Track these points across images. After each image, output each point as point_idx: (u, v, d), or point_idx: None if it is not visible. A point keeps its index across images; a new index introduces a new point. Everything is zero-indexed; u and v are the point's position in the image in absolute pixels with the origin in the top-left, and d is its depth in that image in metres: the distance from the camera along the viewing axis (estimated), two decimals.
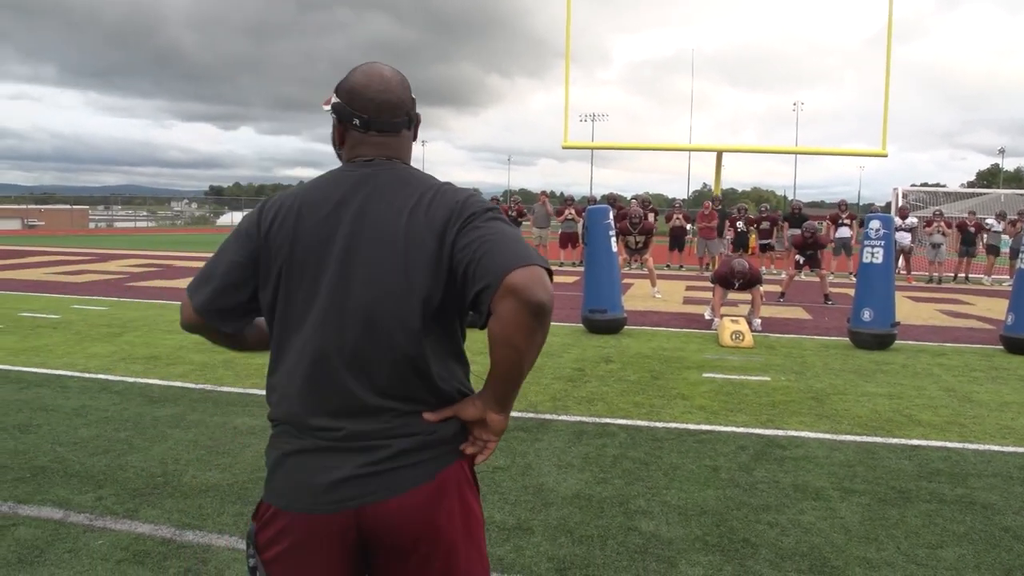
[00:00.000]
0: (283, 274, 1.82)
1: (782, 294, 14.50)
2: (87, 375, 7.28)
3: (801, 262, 14.64)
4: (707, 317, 11.63)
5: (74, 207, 64.09)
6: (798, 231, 20.09)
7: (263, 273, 1.85)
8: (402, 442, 1.74)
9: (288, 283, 1.81)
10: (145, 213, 70.71)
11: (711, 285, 11.72)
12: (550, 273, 1.67)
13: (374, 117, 1.88)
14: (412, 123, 1.96)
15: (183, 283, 15.12)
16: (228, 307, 1.90)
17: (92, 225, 59.24)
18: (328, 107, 1.94)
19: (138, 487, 4.50)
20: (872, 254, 9.92)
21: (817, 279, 14.98)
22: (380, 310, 1.73)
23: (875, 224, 9.96)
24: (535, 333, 1.62)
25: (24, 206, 61.14)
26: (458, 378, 1.84)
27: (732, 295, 11.61)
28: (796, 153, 39.03)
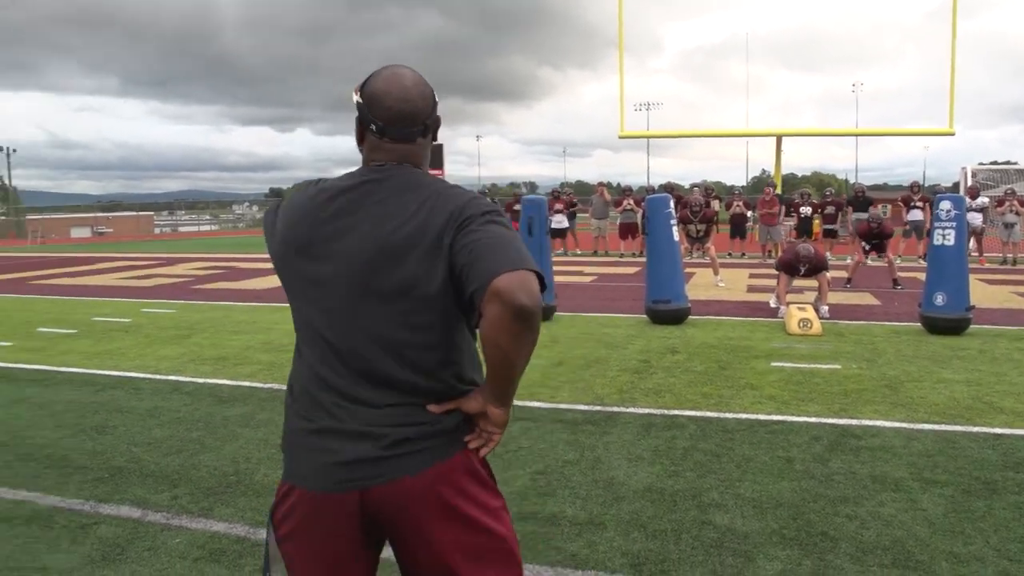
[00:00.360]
0: (292, 266, 1.93)
1: (848, 280, 14.19)
2: (158, 377, 7.41)
3: (867, 249, 14.28)
4: (772, 305, 11.44)
5: (140, 214, 65.39)
6: (863, 215, 19.71)
7: (278, 266, 1.99)
8: (406, 431, 1.82)
9: (296, 275, 1.93)
10: (208, 217, 71.93)
11: (775, 272, 11.53)
12: (541, 278, 1.72)
13: (389, 126, 1.92)
14: (428, 130, 1.99)
15: (248, 284, 15.37)
16: None
17: (157, 230, 60.41)
18: (357, 97, 1.98)
19: (211, 486, 4.55)
20: (943, 236, 9.63)
21: (884, 264, 14.64)
22: (379, 306, 1.83)
23: (946, 205, 9.68)
24: (520, 335, 1.69)
25: (93, 214, 62.58)
26: (464, 372, 1.91)
27: (797, 282, 11.39)
28: (858, 135, 38.14)
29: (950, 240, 9.56)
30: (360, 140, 2.00)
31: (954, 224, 9.56)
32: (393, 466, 1.81)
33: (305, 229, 1.90)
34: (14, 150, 62.55)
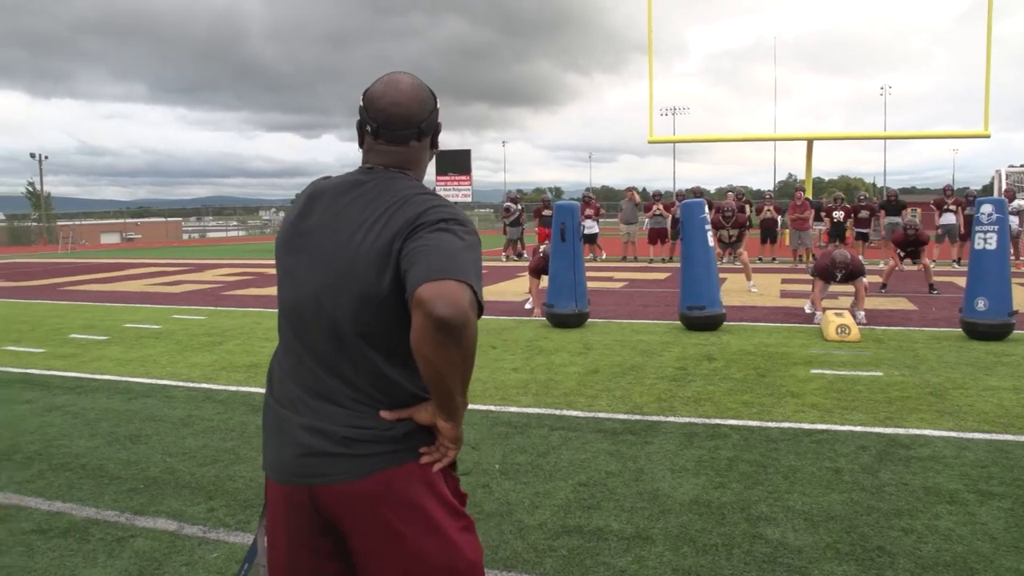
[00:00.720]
0: (277, 255, 2.04)
1: (884, 285, 13.97)
2: (191, 384, 7.36)
3: (903, 255, 13.99)
4: (808, 311, 11.27)
5: (168, 219, 65.92)
6: (896, 219, 19.46)
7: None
8: (355, 431, 1.84)
9: (279, 264, 2.04)
10: (235, 222, 72.31)
11: (808, 278, 11.36)
12: (474, 291, 1.70)
13: (383, 127, 1.98)
14: (423, 134, 2.02)
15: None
16: None
17: (186, 236, 60.86)
18: (361, 101, 2.04)
19: (248, 498, 4.48)
20: (985, 240, 9.43)
21: (918, 268, 14.39)
22: (329, 305, 1.87)
23: (987, 208, 9.48)
24: (443, 346, 1.65)
25: (122, 220, 63.15)
26: (419, 380, 1.87)
27: (832, 287, 11.22)
28: (891, 138, 37.71)
29: (992, 244, 9.36)
30: (360, 142, 2.05)
31: (996, 227, 9.36)
32: (340, 466, 1.84)
33: (292, 220, 2.01)
34: (46, 157, 62.98)
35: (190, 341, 9.79)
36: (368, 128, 2.00)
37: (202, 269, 22.45)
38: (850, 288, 11.00)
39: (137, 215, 71.60)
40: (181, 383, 7.43)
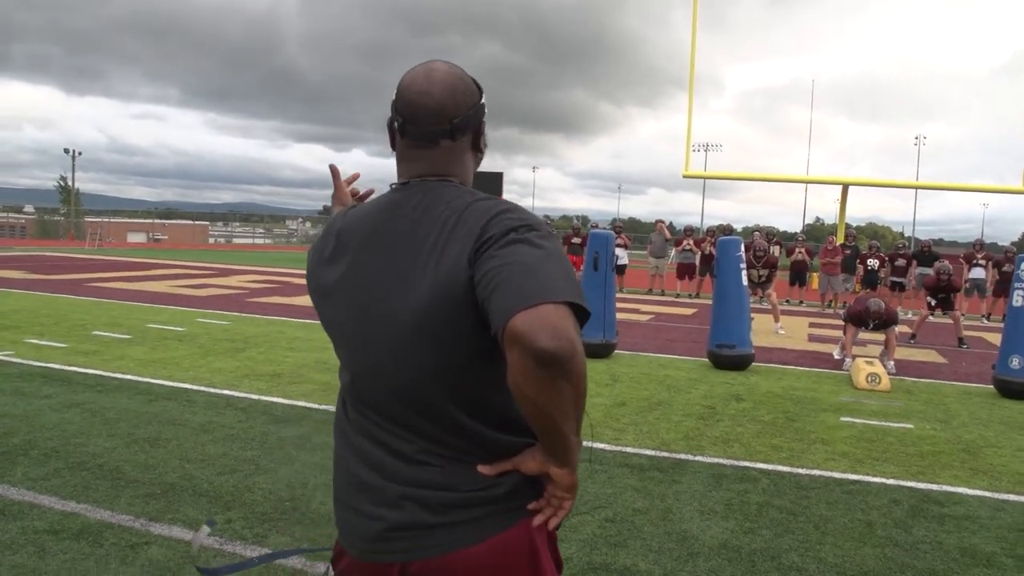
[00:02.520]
0: (316, 308, 1.78)
1: (913, 335, 13.77)
2: (212, 390, 7.29)
3: (933, 304, 13.72)
4: (837, 356, 11.10)
5: (195, 223, 66.38)
6: (928, 269, 19.22)
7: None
8: (447, 496, 1.56)
9: (320, 317, 1.77)
10: (262, 230, 72.74)
11: (835, 322, 11.21)
12: (579, 309, 1.40)
13: (408, 123, 1.66)
14: (457, 132, 1.67)
15: (302, 300, 15.34)
16: None
17: (211, 240, 61.22)
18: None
19: (266, 511, 4.37)
20: (1023, 297, 9.26)
21: (949, 321, 14.16)
22: (394, 380, 1.60)
23: None
24: (551, 385, 1.36)
25: (150, 220, 63.65)
26: (518, 425, 1.57)
27: (863, 335, 11.06)
28: (925, 188, 37.45)
29: None
30: (392, 144, 1.75)
31: None
32: (437, 537, 1.56)
33: (320, 261, 1.74)
34: (80, 153, 63.63)
35: (213, 346, 9.74)
36: (395, 125, 1.70)
37: (227, 274, 22.50)
38: (879, 336, 10.84)
39: (164, 216, 72.20)
40: (203, 388, 7.36)
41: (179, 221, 67.83)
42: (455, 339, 1.53)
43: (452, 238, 1.53)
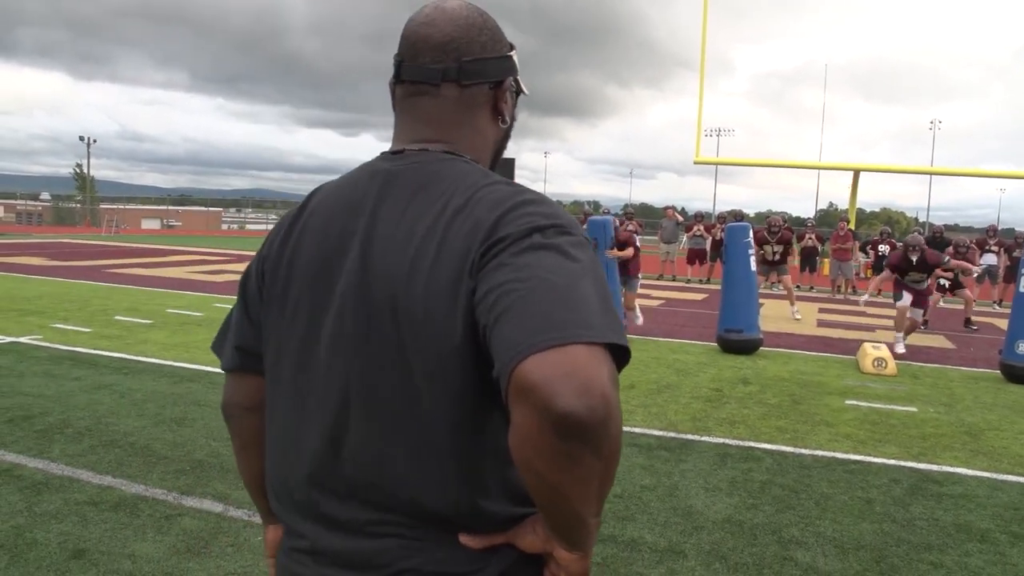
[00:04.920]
0: (266, 311, 1.31)
1: (925, 321, 13.81)
2: None
3: (946, 286, 13.66)
4: (863, 300, 11.26)
5: (209, 209, 66.70)
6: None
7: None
8: None
9: (269, 326, 1.30)
10: (274, 216, 72.99)
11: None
12: (622, 350, 1.00)
13: (405, 61, 1.28)
14: (465, 76, 1.26)
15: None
16: None
17: (224, 227, 61.56)
18: None
19: None
20: None
21: (960, 305, 14.19)
22: (369, 386, 1.16)
23: None
24: (571, 461, 0.94)
25: (164, 207, 64.06)
26: (510, 487, 1.16)
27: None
28: (938, 174, 37.36)
29: None
30: (393, 101, 1.35)
31: None
32: None
33: (294, 252, 1.28)
34: (94, 140, 64.00)
35: None
36: (394, 66, 1.30)
37: (242, 260, 22.71)
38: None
39: (178, 203, 72.56)
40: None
41: (192, 207, 68.19)
42: (445, 387, 1.12)
43: (451, 234, 1.12)
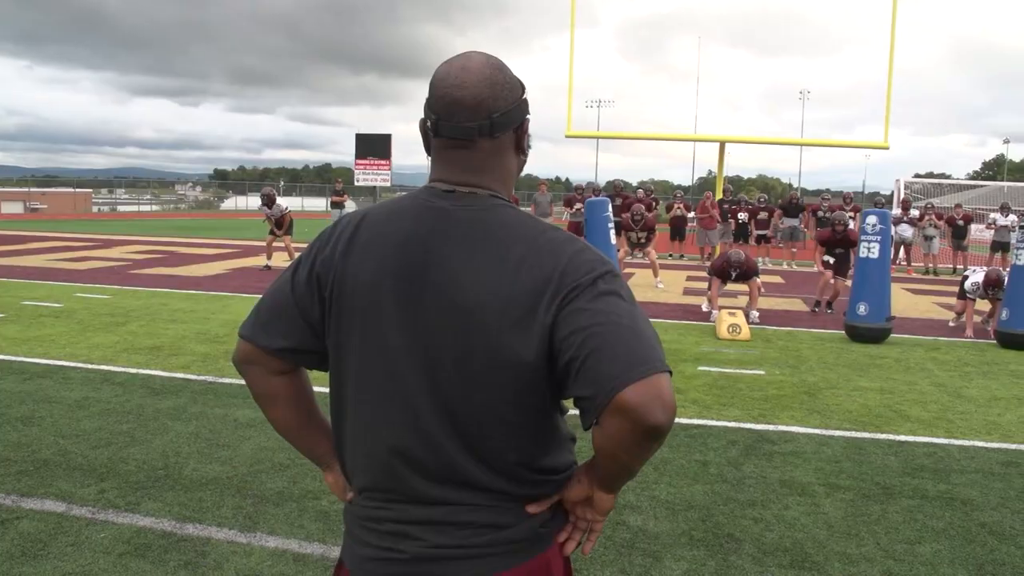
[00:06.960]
0: (333, 320, 1.56)
1: (819, 303, 12.57)
2: (90, 366, 7.38)
3: (831, 262, 12.30)
4: (704, 309, 11.72)
5: (77, 190, 63.80)
6: (794, 220, 20.20)
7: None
8: (481, 535, 1.49)
9: (339, 335, 1.56)
10: (148, 196, 70.60)
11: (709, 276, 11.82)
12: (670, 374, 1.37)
13: (442, 120, 1.51)
14: (496, 129, 1.51)
15: (188, 271, 15.29)
16: None
17: (96, 209, 59.20)
18: None
19: (139, 480, 4.61)
20: (868, 249, 10.00)
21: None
22: (452, 401, 1.47)
23: (872, 219, 10.03)
24: (649, 451, 1.37)
25: (26, 188, 60.91)
26: (560, 463, 1.57)
27: (732, 286, 11.70)
28: (797, 144, 38.88)
29: (875, 253, 9.93)
30: (426, 148, 1.59)
31: (879, 237, 9.92)
32: (464, 568, 1.48)
33: (348, 268, 1.54)
34: None
35: (92, 321, 9.74)
36: (428, 123, 1.54)
37: (110, 245, 22.00)
38: (745, 287, 11.47)
39: (43, 184, 69.26)
40: (80, 364, 7.44)
41: (60, 189, 65.13)
42: (511, 370, 1.44)
43: (526, 267, 1.42)
